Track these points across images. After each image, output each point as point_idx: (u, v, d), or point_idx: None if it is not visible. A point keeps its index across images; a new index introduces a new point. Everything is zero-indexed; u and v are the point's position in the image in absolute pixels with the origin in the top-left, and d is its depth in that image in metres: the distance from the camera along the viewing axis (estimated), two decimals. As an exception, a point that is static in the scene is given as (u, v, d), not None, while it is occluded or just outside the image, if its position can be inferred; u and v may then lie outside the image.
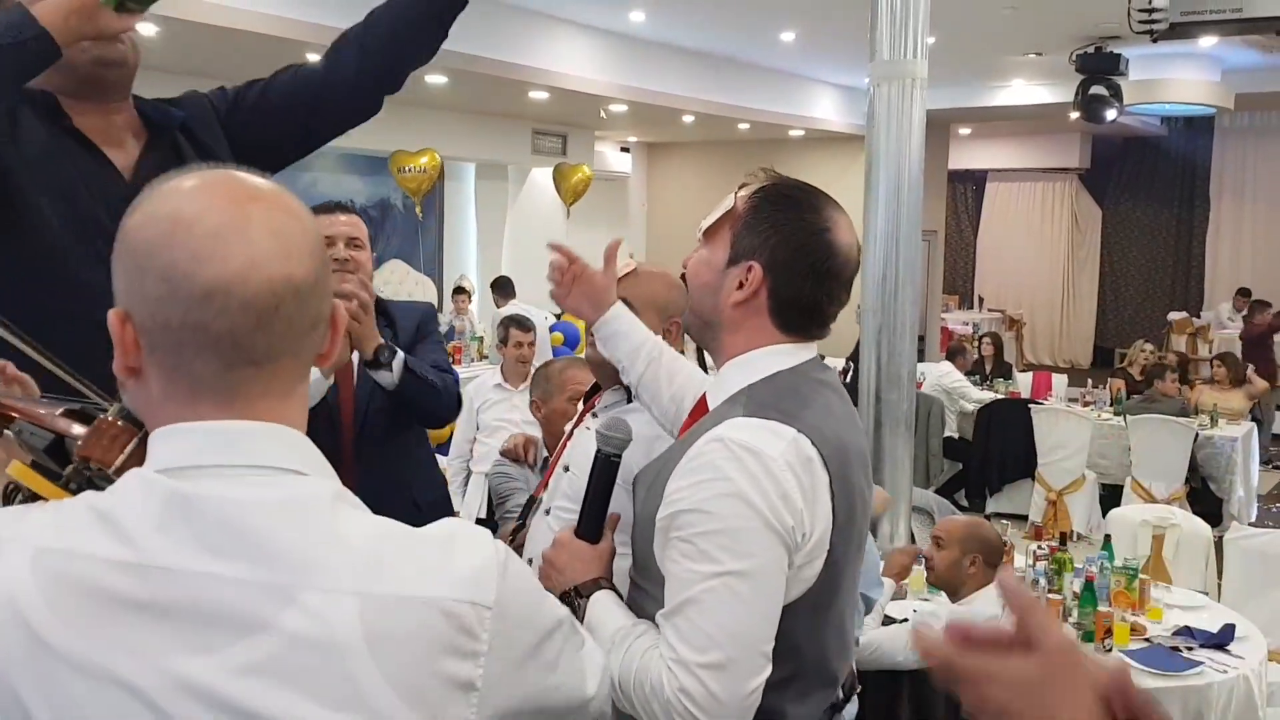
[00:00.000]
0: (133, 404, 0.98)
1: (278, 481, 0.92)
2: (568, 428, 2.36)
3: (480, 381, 5.92)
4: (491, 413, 5.70)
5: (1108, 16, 7.05)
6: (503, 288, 9.58)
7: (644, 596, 1.54)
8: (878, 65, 4.81)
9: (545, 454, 3.31)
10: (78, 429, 1.10)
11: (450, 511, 2.88)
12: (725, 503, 1.38)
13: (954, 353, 9.00)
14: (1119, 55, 8.12)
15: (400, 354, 2.41)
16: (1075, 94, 8.37)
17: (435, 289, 10.87)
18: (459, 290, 10.40)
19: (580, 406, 2.34)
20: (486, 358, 9.00)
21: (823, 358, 1.65)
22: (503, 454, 3.49)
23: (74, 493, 0.98)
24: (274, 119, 1.95)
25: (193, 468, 0.90)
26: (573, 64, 8.41)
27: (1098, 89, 8.14)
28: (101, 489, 0.95)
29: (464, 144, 10.18)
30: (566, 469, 2.11)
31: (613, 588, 1.59)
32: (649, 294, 2.13)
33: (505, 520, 3.22)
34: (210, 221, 0.89)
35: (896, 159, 4.82)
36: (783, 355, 1.54)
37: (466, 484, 5.64)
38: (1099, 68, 8.11)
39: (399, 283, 10.55)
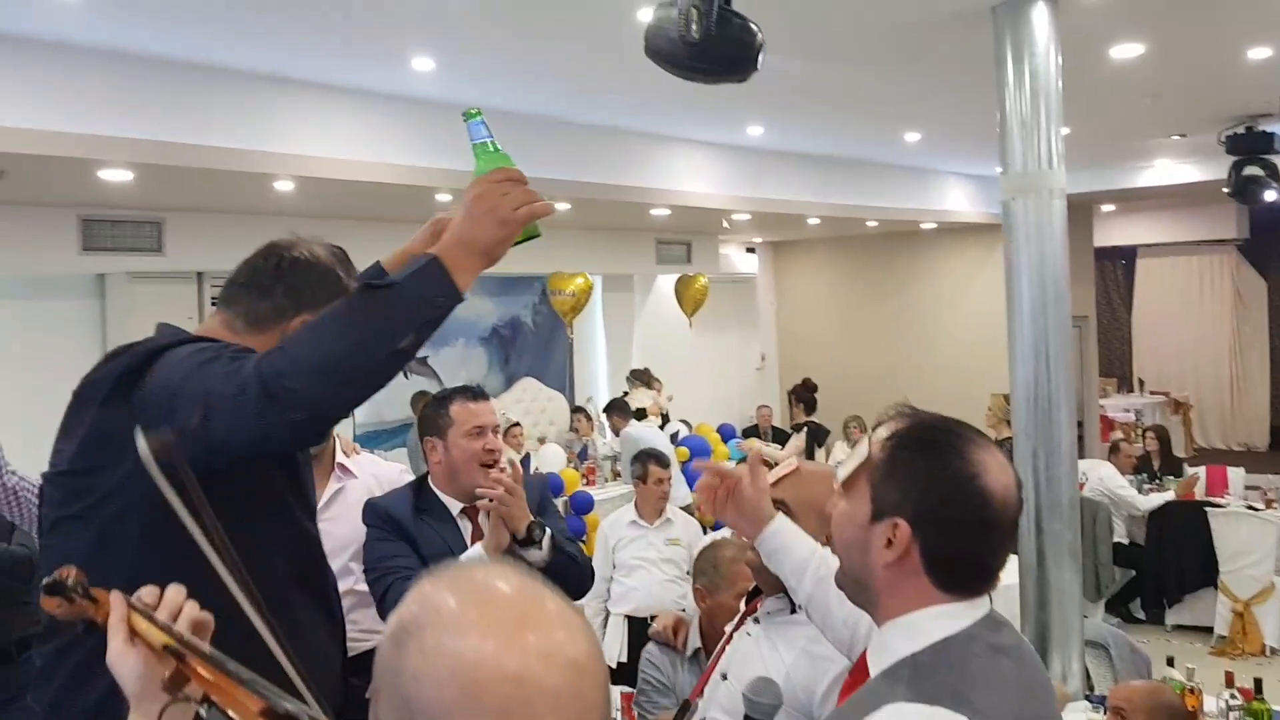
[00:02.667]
0: None
1: None
2: (728, 628, 2.27)
3: (616, 518, 5.81)
4: (628, 551, 5.56)
5: (1256, 97, 6.66)
6: (620, 409, 9.47)
7: None
8: (1011, 178, 4.57)
9: (699, 644, 3.11)
10: None
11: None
12: None
13: (1112, 451, 8.46)
14: (1272, 134, 7.63)
15: (549, 530, 2.50)
16: (1228, 175, 7.89)
17: (567, 405, 10.87)
18: (577, 409, 10.38)
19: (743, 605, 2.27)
20: (620, 476, 8.88)
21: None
22: (651, 636, 3.29)
23: None
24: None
25: None
26: (693, 180, 8.38)
27: (1252, 169, 7.65)
28: None
29: (588, 258, 10.23)
30: (724, 677, 2.04)
31: None
32: (810, 498, 2.00)
33: (646, 714, 3.03)
34: (511, 695, 0.80)
35: (1039, 272, 4.54)
36: (948, 618, 1.38)
37: (605, 625, 5.48)
38: (1251, 148, 7.63)
39: (530, 400, 10.58)
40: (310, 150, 5.92)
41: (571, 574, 2.56)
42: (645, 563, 5.50)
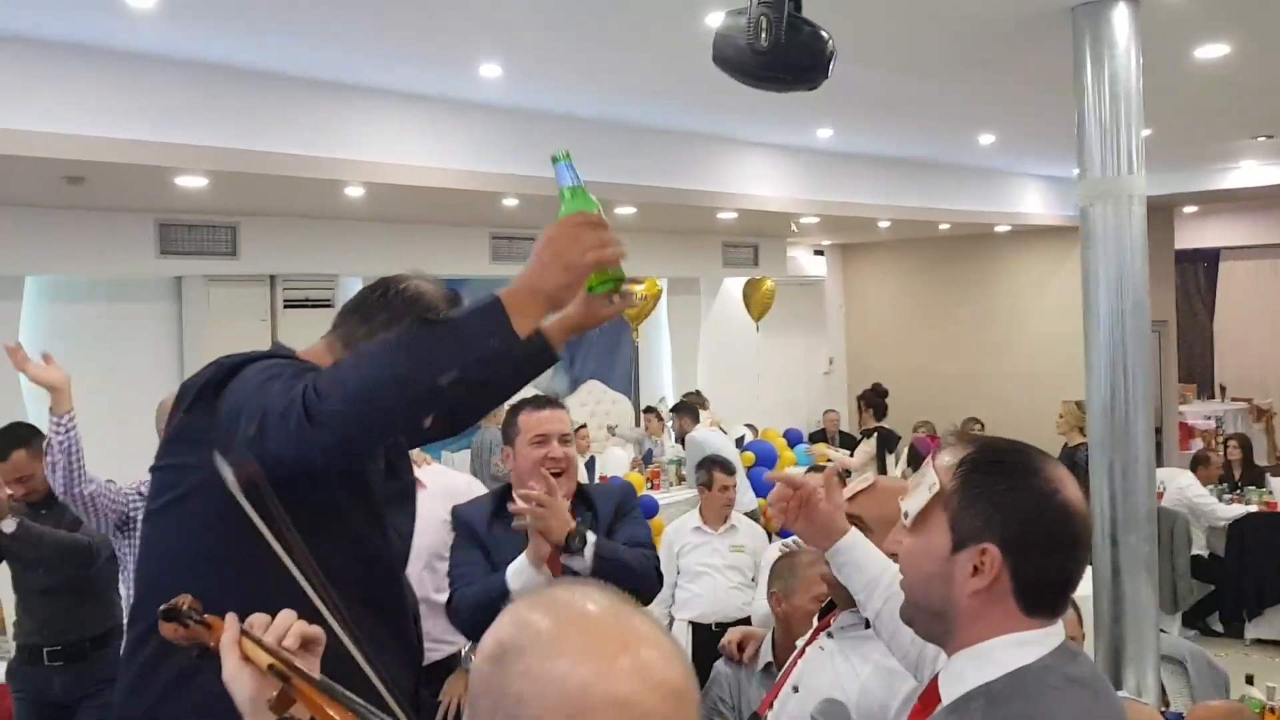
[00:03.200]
0: None
1: None
2: (800, 642, 2.25)
3: (680, 525, 5.79)
4: (692, 557, 5.54)
5: (1349, 95, 6.42)
6: (688, 412, 9.42)
7: None
8: (1089, 184, 4.45)
9: (770, 657, 3.06)
10: None
11: None
12: None
13: (1197, 463, 8.22)
14: (1364, 134, 7.37)
15: (591, 540, 2.49)
16: (1317, 176, 7.63)
17: (631, 408, 10.86)
18: (649, 409, 10.35)
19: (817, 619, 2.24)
20: (685, 480, 8.84)
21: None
22: (721, 649, 3.26)
23: None
24: None
25: None
26: (761, 184, 8.32)
27: (1342, 170, 7.39)
28: None
29: (654, 262, 10.21)
30: (795, 690, 2.02)
31: None
32: (887, 515, 1.98)
33: None
34: (608, 716, 0.82)
35: (1118, 279, 4.41)
36: (1025, 646, 1.35)
37: (669, 631, 5.46)
38: (1342, 147, 7.38)
39: (595, 403, 10.60)
40: (380, 156, 5.98)
41: (624, 580, 2.54)
42: (709, 569, 5.47)
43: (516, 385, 1.84)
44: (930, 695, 1.46)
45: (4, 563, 4.06)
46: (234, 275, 7.48)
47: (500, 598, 2.37)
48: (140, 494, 3.74)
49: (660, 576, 2.77)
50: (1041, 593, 1.37)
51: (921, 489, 1.40)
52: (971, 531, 1.36)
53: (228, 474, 1.39)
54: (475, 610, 2.54)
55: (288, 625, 1.32)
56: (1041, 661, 1.34)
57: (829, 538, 1.80)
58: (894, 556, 1.48)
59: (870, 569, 1.77)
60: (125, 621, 2.24)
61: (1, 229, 6.47)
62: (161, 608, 1.34)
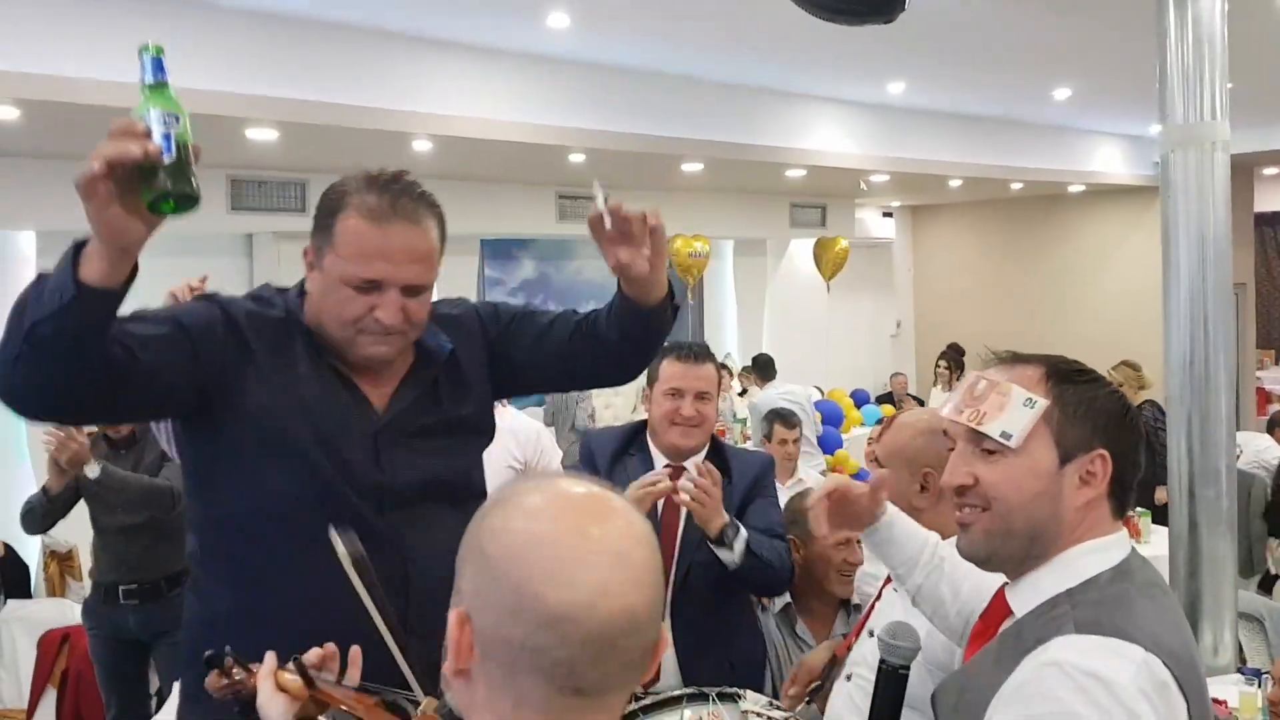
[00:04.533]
0: (456, 702, 0.98)
1: None
2: (879, 587, 2.22)
3: (745, 479, 5.75)
4: (758, 512, 5.51)
5: None
6: (763, 368, 9.37)
7: None
8: (1170, 130, 4.31)
9: (789, 599, 3.03)
10: None
11: (761, 679, 2.73)
12: None
13: (1274, 425, 8.01)
14: None
15: (743, 534, 2.43)
16: None
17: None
18: (721, 365, 10.29)
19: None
20: (750, 440, 8.81)
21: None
22: None
23: None
24: (540, 362, 1.95)
25: None
26: (830, 140, 8.21)
27: None
28: None
29: (721, 222, 10.14)
30: (871, 634, 2.00)
31: None
32: (895, 444, 1.94)
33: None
34: (565, 544, 0.91)
35: (1199, 229, 4.28)
36: (1102, 551, 1.35)
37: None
38: None
39: (661, 364, 10.57)
40: (447, 109, 5.99)
41: (761, 579, 2.54)
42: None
43: (99, 328, 1.44)
44: (994, 613, 1.44)
45: (80, 502, 4.15)
46: (303, 231, 7.51)
47: None
48: None
49: (793, 569, 2.70)
50: (1129, 493, 1.38)
51: (1013, 408, 1.36)
52: (1078, 441, 1.35)
53: (341, 548, 1.42)
54: None
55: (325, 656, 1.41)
56: (1118, 568, 1.34)
57: (869, 523, 1.77)
58: (960, 491, 1.40)
59: (910, 545, 1.74)
60: None
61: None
62: (206, 654, 1.39)
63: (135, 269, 1.41)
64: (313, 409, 1.68)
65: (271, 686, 1.35)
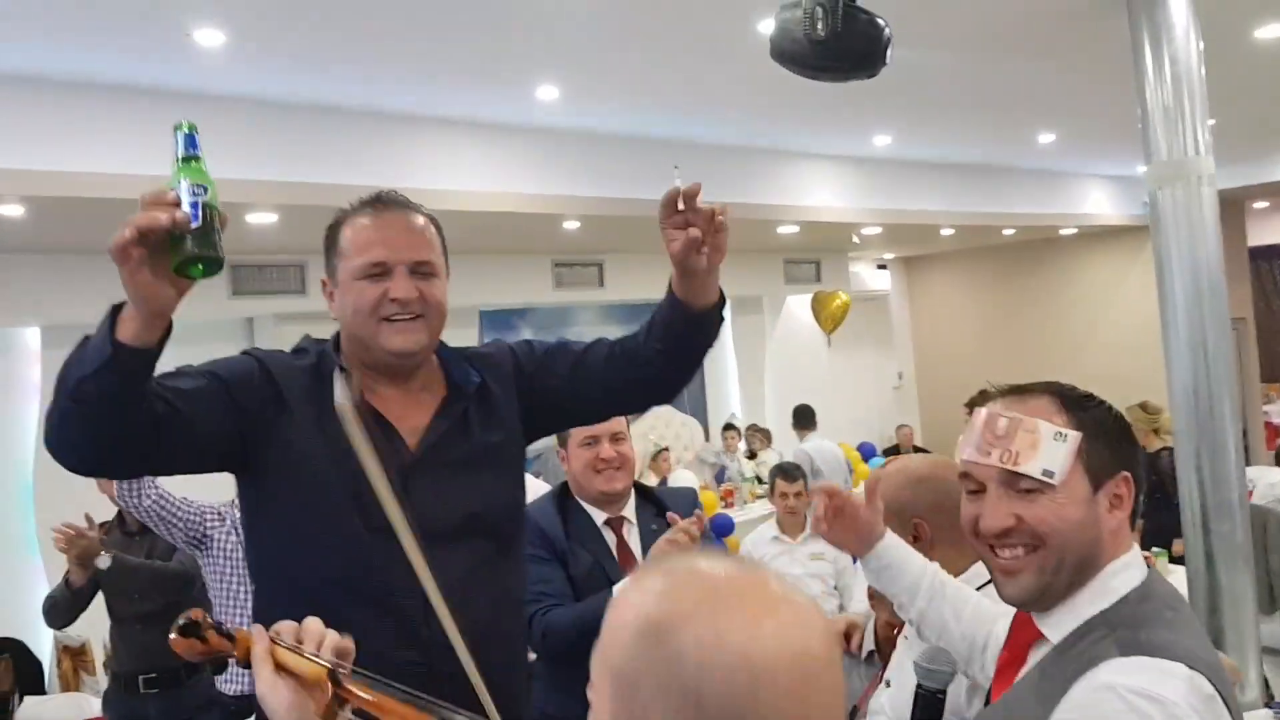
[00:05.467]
0: None
1: None
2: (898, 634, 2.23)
3: (758, 535, 5.74)
4: (771, 567, 5.48)
5: None
6: (802, 418, 9.35)
7: None
8: (1156, 167, 4.38)
9: (873, 646, 3.02)
10: None
11: None
12: None
13: (1283, 456, 8.00)
14: None
15: None
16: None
17: (702, 429, 10.83)
18: (728, 427, 10.32)
19: None
20: (762, 498, 8.80)
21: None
22: None
23: None
24: (579, 390, 1.97)
25: None
26: (821, 195, 8.30)
27: None
28: None
29: (717, 282, 10.21)
30: (888, 684, 2.01)
31: None
32: (883, 497, 1.94)
33: None
34: (784, 683, 0.84)
35: (1192, 262, 4.33)
36: (1125, 569, 1.37)
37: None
38: None
39: (665, 425, 10.58)
40: (442, 184, 6.08)
41: None
42: (789, 579, 5.41)
43: (135, 392, 1.51)
44: (1019, 642, 1.43)
45: (97, 595, 4.15)
46: (304, 313, 7.62)
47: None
48: (219, 514, 3.83)
49: None
50: (1138, 503, 1.40)
51: (1046, 444, 1.36)
52: (1105, 467, 1.37)
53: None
54: (580, 635, 2.32)
55: (321, 634, 1.26)
56: (1144, 585, 1.35)
57: (868, 544, 1.76)
58: (1004, 534, 1.37)
59: (911, 570, 1.74)
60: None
61: (82, 278, 6.65)
62: (179, 622, 1.26)
63: (169, 328, 1.49)
64: (344, 450, 1.68)
65: (271, 670, 1.20)
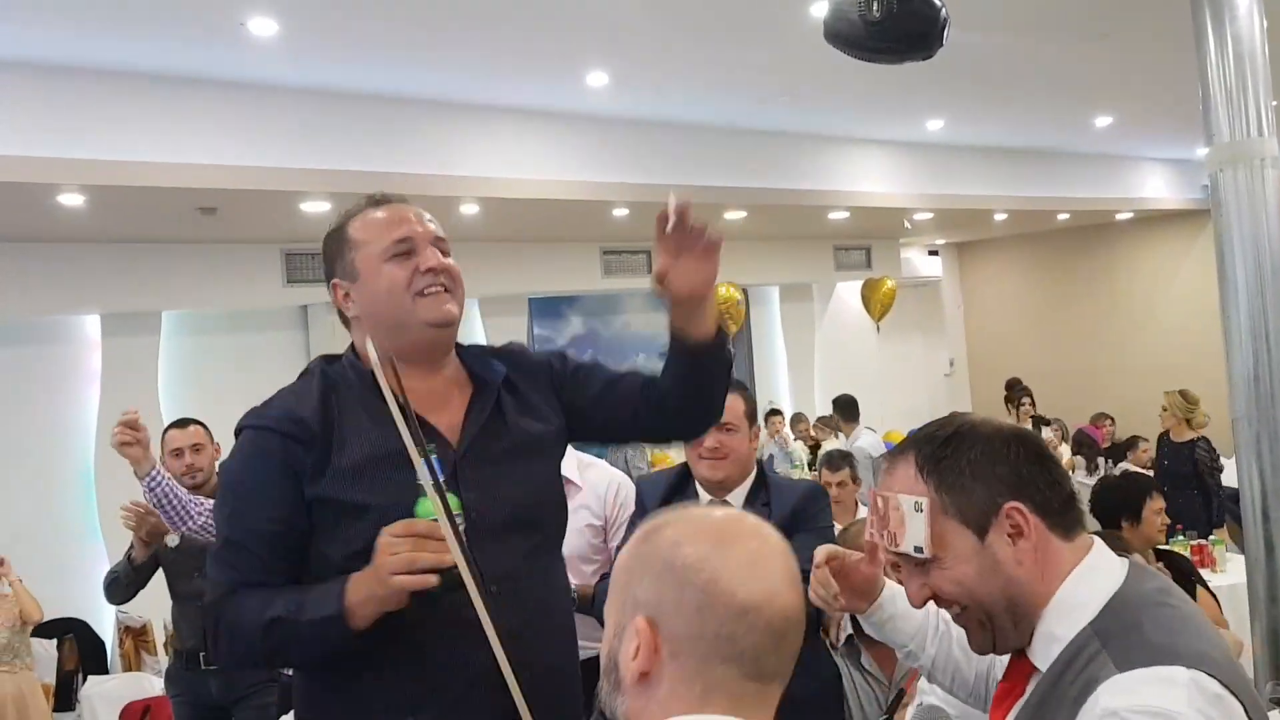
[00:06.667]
0: (625, 709, 1.05)
1: None
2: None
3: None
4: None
5: None
6: (845, 409, 9.27)
7: None
8: (1218, 149, 4.28)
9: (850, 630, 3.02)
10: None
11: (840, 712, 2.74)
12: None
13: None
14: None
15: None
16: None
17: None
18: (773, 412, 10.27)
19: None
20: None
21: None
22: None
23: None
24: (608, 413, 1.96)
25: None
26: (872, 180, 8.24)
27: None
28: None
29: (765, 268, 10.18)
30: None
31: None
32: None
33: None
34: (747, 547, 1.05)
35: (1254, 246, 4.23)
36: (1096, 573, 1.31)
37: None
38: None
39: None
40: (492, 172, 6.11)
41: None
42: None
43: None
44: (1017, 670, 1.38)
45: (155, 576, 4.22)
46: (357, 299, 7.71)
47: None
48: None
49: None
50: (1066, 507, 1.32)
51: (910, 518, 1.33)
52: (982, 508, 1.31)
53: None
54: None
55: None
56: (1126, 587, 1.29)
57: (870, 598, 1.70)
58: (935, 601, 1.37)
59: (916, 615, 1.67)
60: None
61: (141, 266, 6.80)
62: None
63: None
64: (391, 457, 1.68)
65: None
